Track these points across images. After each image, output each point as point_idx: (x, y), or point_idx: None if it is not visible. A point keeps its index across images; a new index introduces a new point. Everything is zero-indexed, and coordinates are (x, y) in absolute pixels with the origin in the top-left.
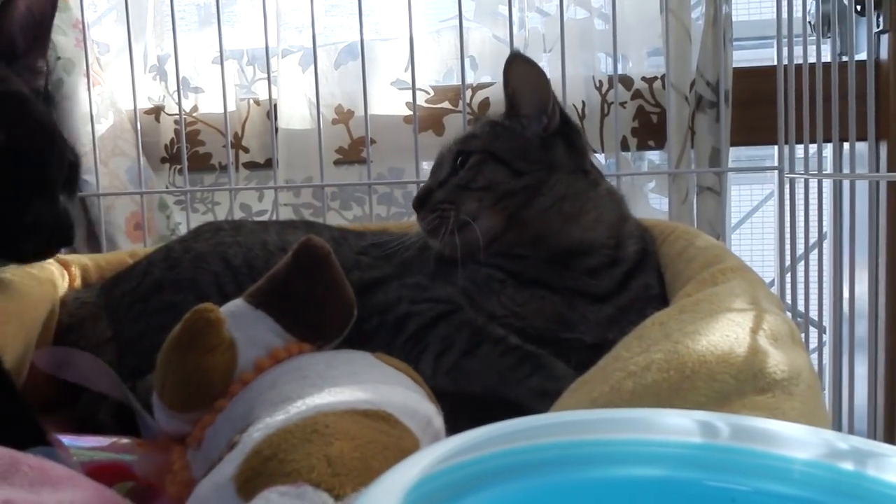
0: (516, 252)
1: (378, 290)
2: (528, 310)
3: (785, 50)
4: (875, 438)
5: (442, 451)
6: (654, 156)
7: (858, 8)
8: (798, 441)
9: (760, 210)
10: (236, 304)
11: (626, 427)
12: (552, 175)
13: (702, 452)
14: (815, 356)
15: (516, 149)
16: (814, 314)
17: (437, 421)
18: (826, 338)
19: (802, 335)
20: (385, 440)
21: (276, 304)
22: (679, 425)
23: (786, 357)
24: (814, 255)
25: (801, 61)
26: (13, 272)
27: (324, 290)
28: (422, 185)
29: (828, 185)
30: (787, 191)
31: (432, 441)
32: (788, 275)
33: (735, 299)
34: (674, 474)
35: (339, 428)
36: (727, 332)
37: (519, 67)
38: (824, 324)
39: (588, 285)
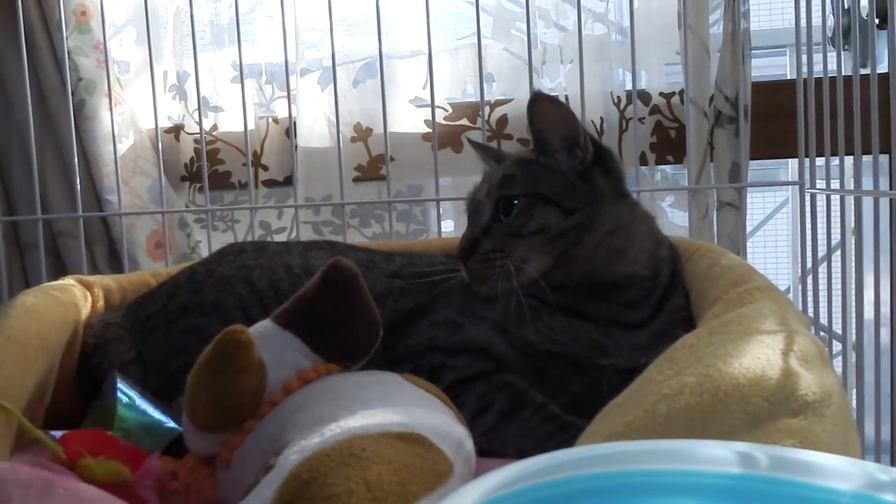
0: (562, 285)
1: (410, 329)
2: (564, 336)
3: (804, 63)
4: None
5: (490, 484)
6: (668, 169)
7: (878, 21)
8: (838, 472)
9: (773, 219)
10: (265, 326)
11: (666, 457)
12: (600, 208)
13: (742, 483)
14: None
15: (561, 187)
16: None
17: (469, 443)
18: (846, 349)
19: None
20: (421, 464)
21: (303, 325)
22: (718, 456)
23: (817, 379)
24: (829, 267)
25: (820, 74)
26: (35, 295)
27: (351, 311)
28: (463, 234)
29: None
30: (807, 205)
31: (465, 464)
32: (808, 287)
33: (764, 320)
34: None
35: (376, 451)
36: (758, 355)
37: (542, 107)
38: (839, 334)
39: (625, 316)
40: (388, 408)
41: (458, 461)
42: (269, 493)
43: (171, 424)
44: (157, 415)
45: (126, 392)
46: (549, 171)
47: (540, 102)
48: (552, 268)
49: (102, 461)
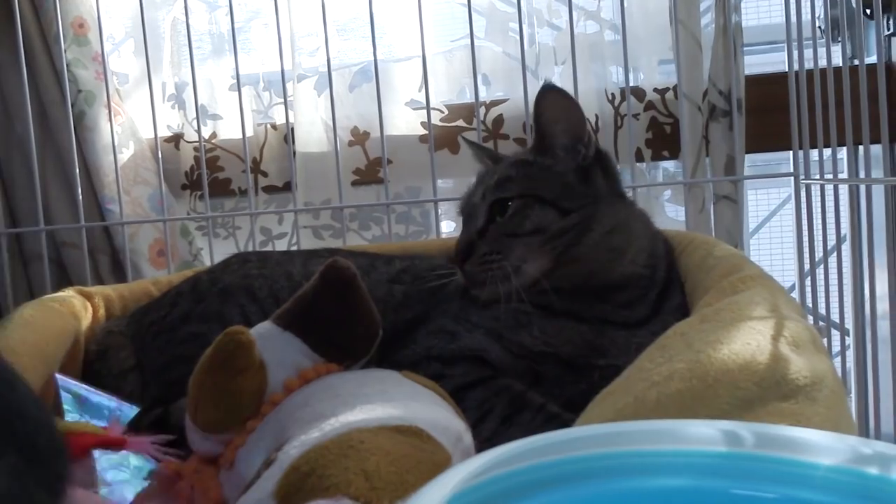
0: (561, 287)
1: (408, 338)
2: (559, 339)
3: (796, 56)
4: None
5: (475, 466)
6: (669, 165)
7: (868, 12)
8: (822, 447)
9: (779, 214)
10: (265, 327)
11: (652, 438)
12: (598, 208)
13: (727, 461)
14: (839, 360)
15: (558, 187)
16: (836, 317)
17: (467, 437)
18: (849, 340)
19: (825, 339)
20: (419, 455)
21: (303, 325)
22: (704, 435)
23: (808, 363)
24: (834, 259)
25: (812, 66)
26: (33, 307)
27: (350, 310)
28: (458, 238)
29: (844, 188)
30: (803, 196)
31: (463, 456)
32: (809, 279)
33: (755, 307)
34: (701, 483)
35: (374, 443)
36: (748, 340)
37: (552, 98)
38: (847, 327)
39: (620, 316)
40: (387, 402)
41: (457, 453)
42: (269, 485)
43: (125, 408)
44: (104, 401)
45: (69, 389)
46: (545, 172)
47: (549, 94)
48: (552, 269)
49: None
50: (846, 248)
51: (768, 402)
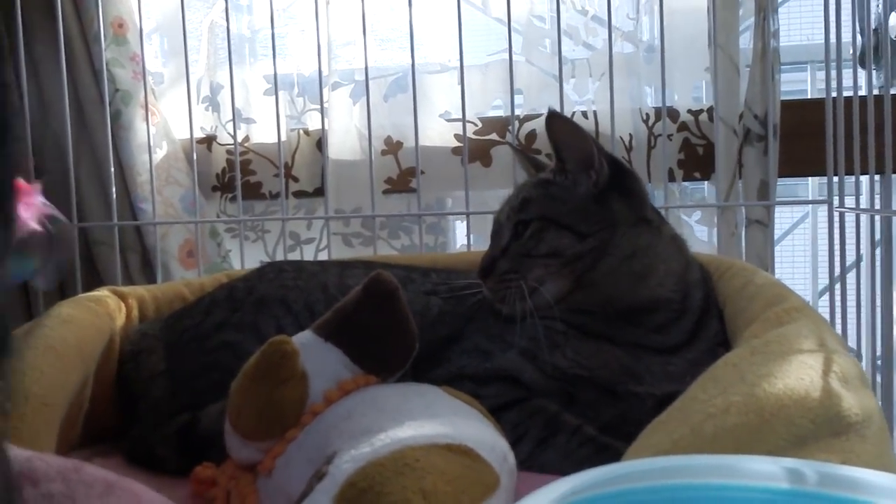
0: (586, 310)
1: (442, 355)
2: (593, 361)
3: (833, 82)
4: None
5: (544, 498)
6: (694, 186)
7: None
8: (882, 488)
9: (791, 234)
10: (306, 337)
11: (714, 472)
12: (616, 232)
13: (790, 498)
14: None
15: (575, 210)
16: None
17: (511, 457)
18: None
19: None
20: (471, 475)
21: (344, 336)
22: (766, 471)
23: (858, 400)
24: (858, 284)
25: (849, 93)
26: (70, 306)
27: (391, 323)
28: (484, 254)
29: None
30: (836, 223)
31: (510, 476)
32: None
33: (804, 340)
34: None
35: (429, 462)
36: (801, 375)
37: (556, 126)
38: (877, 353)
39: (654, 341)
40: (433, 419)
41: (504, 474)
42: (325, 499)
43: None
44: None
45: None
46: (564, 193)
47: (555, 121)
48: (570, 291)
49: None
50: (869, 274)
51: (821, 439)
